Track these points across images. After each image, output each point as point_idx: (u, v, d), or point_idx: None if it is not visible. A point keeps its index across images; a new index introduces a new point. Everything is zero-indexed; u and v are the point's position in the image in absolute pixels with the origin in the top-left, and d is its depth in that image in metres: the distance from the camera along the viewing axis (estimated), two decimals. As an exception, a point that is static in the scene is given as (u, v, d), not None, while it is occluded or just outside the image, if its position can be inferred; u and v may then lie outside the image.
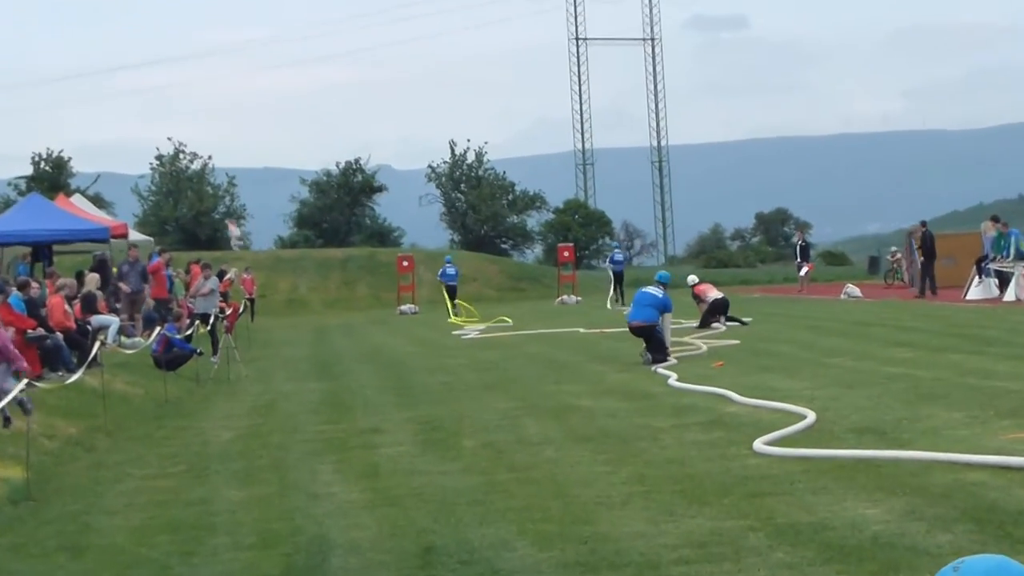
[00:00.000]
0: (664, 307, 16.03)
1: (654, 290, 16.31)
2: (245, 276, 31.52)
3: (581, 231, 63.25)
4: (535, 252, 67.02)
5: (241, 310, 25.34)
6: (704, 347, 17.17)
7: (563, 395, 12.81)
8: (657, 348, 15.66)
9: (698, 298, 22.56)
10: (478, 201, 62.77)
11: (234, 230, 44.75)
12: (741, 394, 11.57)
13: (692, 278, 24.06)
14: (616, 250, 39.75)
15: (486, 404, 12.41)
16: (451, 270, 35.55)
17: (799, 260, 35.64)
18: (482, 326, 26.40)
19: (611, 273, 36.01)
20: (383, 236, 61.81)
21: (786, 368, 14.19)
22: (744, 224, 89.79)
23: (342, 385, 15.48)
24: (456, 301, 32.62)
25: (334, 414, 12.47)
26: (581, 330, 23.08)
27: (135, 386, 14.99)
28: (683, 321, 22.04)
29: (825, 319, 22.44)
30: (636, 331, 15.91)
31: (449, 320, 29.84)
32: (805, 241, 37.31)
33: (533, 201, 65.41)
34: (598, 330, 22.66)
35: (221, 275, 24.49)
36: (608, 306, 32.11)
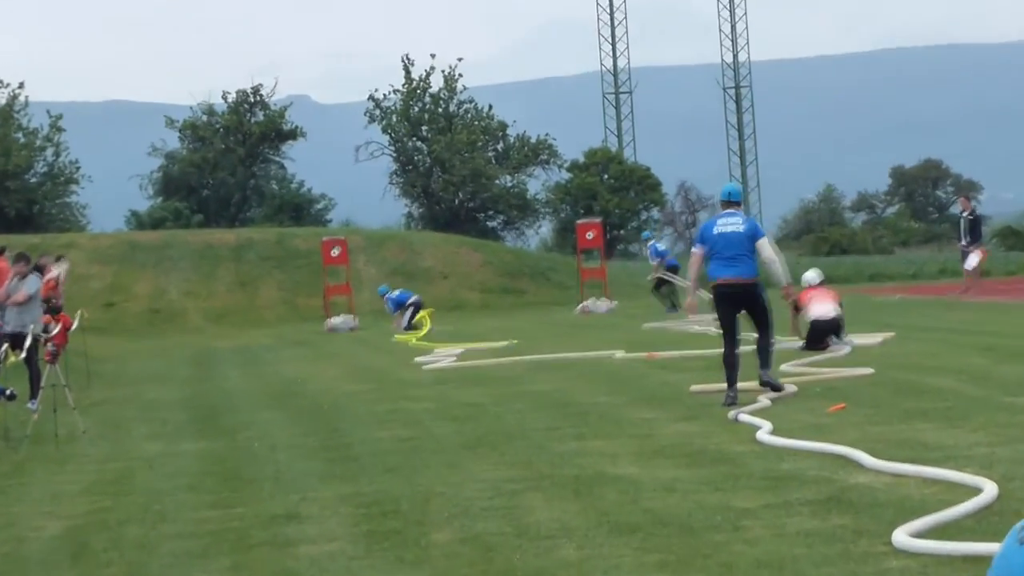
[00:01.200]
0: (756, 235, 15.86)
1: (736, 220, 15.89)
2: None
3: (613, 198, 63.57)
4: (541, 233, 67.37)
5: (74, 325, 25.37)
6: (793, 387, 16.98)
7: (589, 458, 12.84)
8: (766, 326, 15.90)
9: (797, 307, 22.41)
10: (449, 153, 62.95)
11: None
12: (875, 455, 11.58)
13: (813, 275, 23.32)
14: (651, 242, 39.25)
15: (468, 473, 12.43)
16: (404, 296, 36.29)
17: (964, 242, 35.72)
18: (459, 349, 26.44)
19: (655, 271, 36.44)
20: (299, 209, 62.06)
21: (946, 413, 14.25)
22: (873, 186, 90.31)
23: (238, 445, 15.50)
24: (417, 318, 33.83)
25: (226, 491, 12.45)
26: (618, 354, 23.17)
27: (-93, 449, 14.93)
28: (780, 338, 22.12)
29: (1007, 335, 22.61)
30: (732, 295, 15.75)
31: (397, 338, 29.99)
32: (973, 213, 37.34)
33: (537, 152, 65.70)
34: (645, 354, 22.71)
35: (41, 271, 24.48)
36: (673, 310, 33.24)
